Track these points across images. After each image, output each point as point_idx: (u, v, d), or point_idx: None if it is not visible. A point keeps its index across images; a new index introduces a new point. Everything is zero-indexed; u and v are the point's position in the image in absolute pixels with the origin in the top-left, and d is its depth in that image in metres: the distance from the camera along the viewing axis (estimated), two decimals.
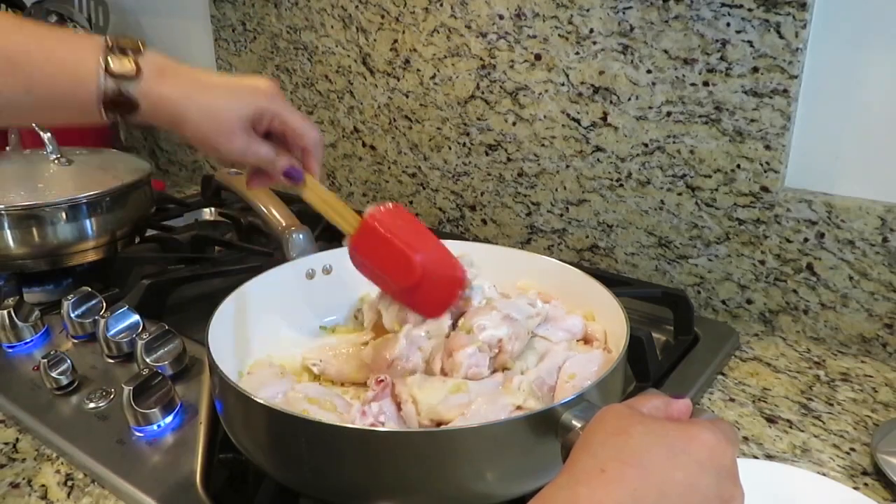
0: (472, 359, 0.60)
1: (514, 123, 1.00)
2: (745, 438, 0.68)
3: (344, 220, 0.63)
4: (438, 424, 0.55)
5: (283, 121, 0.59)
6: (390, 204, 0.62)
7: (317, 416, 0.55)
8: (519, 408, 0.55)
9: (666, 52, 0.84)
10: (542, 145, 0.98)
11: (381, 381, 0.57)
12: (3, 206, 0.88)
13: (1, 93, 0.51)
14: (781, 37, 0.76)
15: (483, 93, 1.02)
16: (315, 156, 0.62)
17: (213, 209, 1.26)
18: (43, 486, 0.63)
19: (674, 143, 0.87)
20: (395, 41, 1.08)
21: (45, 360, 0.72)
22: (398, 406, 0.57)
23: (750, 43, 0.78)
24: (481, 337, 0.61)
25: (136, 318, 0.80)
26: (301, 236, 0.85)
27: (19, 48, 0.51)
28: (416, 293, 0.61)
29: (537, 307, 0.67)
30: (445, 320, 0.64)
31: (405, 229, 0.61)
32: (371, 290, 0.76)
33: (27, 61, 0.51)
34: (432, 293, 0.62)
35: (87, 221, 0.93)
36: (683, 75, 0.83)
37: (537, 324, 0.67)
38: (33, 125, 0.99)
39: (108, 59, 0.52)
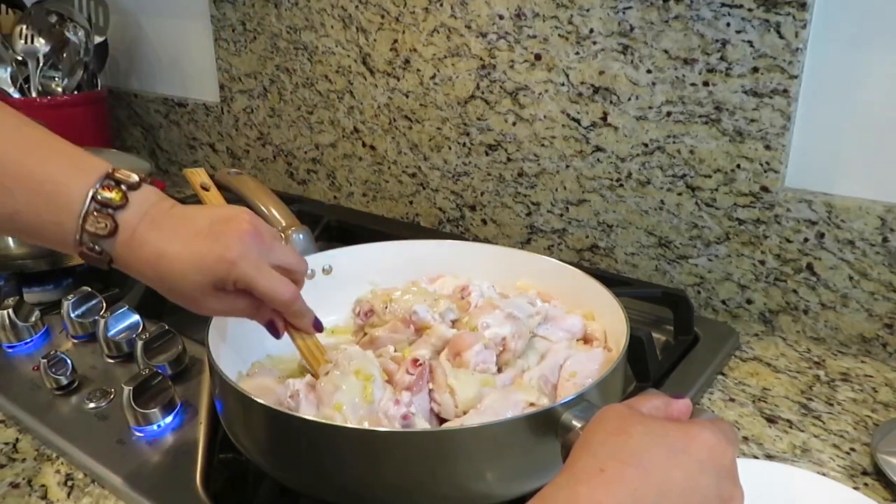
0: (479, 356, 0.60)
1: (514, 123, 1.00)
2: (745, 438, 0.68)
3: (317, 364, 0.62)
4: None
5: (248, 285, 0.55)
6: None
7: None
8: (532, 404, 0.55)
9: (666, 52, 0.84)
10: (542, 145, 0.98)
11: (419, 363, 0.57)
12: None
13: None
14: (781, 37, 0.76)
15: (483, 93, 1.02)
16: (292, 314, 0.59)
17: None
18: (43, 486, 0.63)
19: (674, 143, 0.87)
20: (395, 41, 1.09)
21: (45, 360, 0.72)
22: (431, 396, 0.57)
23: (750, 43, 0.78)
24: (486, 334, 0.62)
25: (136, 318, 0.80)
26: (301, 236, 0.85)
27: (14, 171, 0.50)
28: None
29: (537, 306, 0.67)
30: (446, 328, 0.64)
31: None
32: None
33: (15, 198, 0.50)
34: None
35: None
36: (683, 75, 0.83)
37: (538, 323, 0.67)
38: None
39: (86, 218, 0.50)
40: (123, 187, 0.52)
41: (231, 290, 0.55)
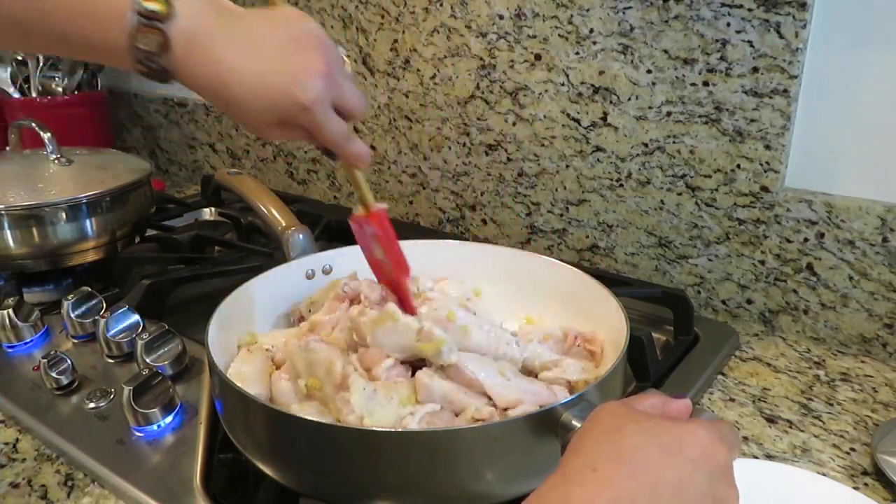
0: (393, 371, 0.58)
1: (514, 123, 1.00)
2: (745, 438, 0.68)
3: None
4: None
5: (313, 130, 0.54)
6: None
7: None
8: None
9: (666, 52, 0.84)
10: (542, 145, 0.98)
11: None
12: (3, 206, 0.88)
13: (32, 34, 0.48)
14: (781, 37, 0.76)
15: (483, 93, 1.02)
16: (344, 154, 0.58)
17: (213, 209, 1.26)
18: (43, 486, 0.63)
19: (674, 143, 0.87)
20: (395, 41, 1.09)
21: (45, 360, 0.72)
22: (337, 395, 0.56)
23: (750, 43, 0.78)
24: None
25: (136, 318, 0.80)
26: (301, 236, 0.85)
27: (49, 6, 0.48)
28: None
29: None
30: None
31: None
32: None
33: (57, 20, 0.48)
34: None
35: (87, 221, 0.93)
36: (683, 75, 0.83)
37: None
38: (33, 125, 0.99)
39: (135, 34, 0.47)
40: (159, 16, 0.48)
41: (294, 125, 0.53)
